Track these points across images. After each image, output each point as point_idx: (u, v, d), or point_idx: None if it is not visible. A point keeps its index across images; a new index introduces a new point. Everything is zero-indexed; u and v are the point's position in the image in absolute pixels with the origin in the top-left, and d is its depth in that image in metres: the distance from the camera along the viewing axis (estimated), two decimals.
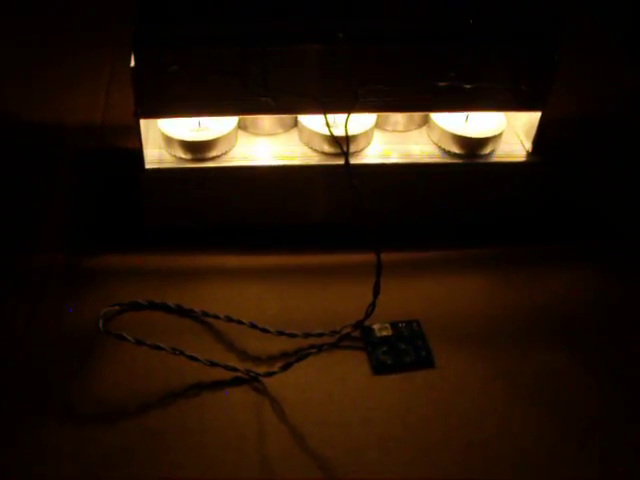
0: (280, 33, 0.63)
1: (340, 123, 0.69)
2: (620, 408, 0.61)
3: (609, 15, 1.12)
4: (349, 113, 0.64)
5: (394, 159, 0.72)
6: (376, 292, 0.60)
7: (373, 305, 0.61)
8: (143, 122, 0.67)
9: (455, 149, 0.73)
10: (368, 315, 0.62)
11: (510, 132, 0.76)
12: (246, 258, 0.72)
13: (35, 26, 1.03)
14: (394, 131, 0.76)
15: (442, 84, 0.65)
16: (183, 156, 0.71)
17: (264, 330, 0.64)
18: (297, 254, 0.72)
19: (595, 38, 1.08)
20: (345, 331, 0.63)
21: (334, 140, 0.68)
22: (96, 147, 0.84)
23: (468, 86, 0.66)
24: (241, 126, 0.74)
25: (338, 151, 0.70)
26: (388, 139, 0.75)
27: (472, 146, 0.73)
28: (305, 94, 0.65)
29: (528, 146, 0.74)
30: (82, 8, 1.07)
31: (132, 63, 0.63)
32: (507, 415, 0.60)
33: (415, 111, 0.73)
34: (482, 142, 0.73)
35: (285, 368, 0.60)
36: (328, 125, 0.65)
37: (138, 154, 0.69)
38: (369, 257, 0.60)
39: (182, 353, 0.61)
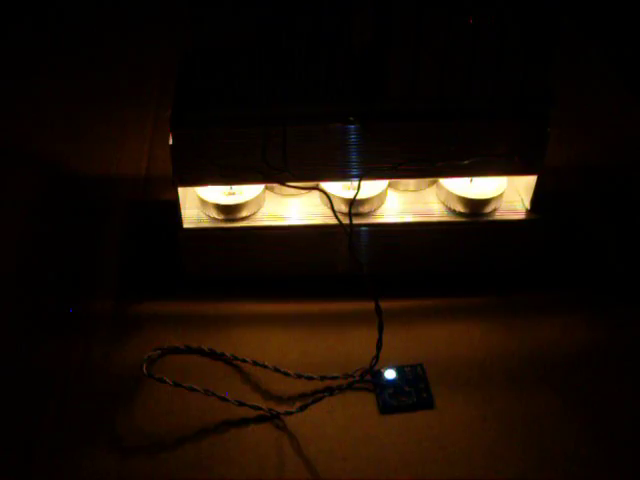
0: (298, 115, 0.72)
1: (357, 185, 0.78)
2: (607, 455, 0.68)
3: (615, 63, 1.19)
4: (354, 197, 0.76)
5: (405, 218, 0.81)
6: (379, 347, 0.70)
7: (377, 358, 0.70)
8: (181, 188, 0.77)
9: (460, 208, 0.81)
10: (373, 366, 0.71)
11: (512, 191, 0.84)
12: (271, 306, 0.81)
13: (84, 85, 1.14)
14: (406, 191, 0.84)
15: (440, 163, 0.74)
16: (217, 217, 0.80)
17: (285, 373, 0.73)
18: (316, 303, 0.81)
19: (599, 86, 1.16)
20: (356, 375, 0.72)
21: (334, 216, 0.76)
22: (140, 199, 0.94)
23: (466, 162, 0.74)
24: (268, 187, 0.83)
25: (354, 211, 0.79)
26: (400, 198, 0.83)
27: (475, 206, 0.81)
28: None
29: (527, 204, 0.82)
30: (126, 68, 1.18)
31: (170, 141, 0.72)
32: (494, 454, 0.67)
33: (420, 177, 0.81)
34: (484, 202, 0.81)
35: (303, 408, 0.69)
36: (333, 210, 0.76)
37: (177, 215, 0.78)
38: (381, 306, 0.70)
39: (214, 394, 0.70)
